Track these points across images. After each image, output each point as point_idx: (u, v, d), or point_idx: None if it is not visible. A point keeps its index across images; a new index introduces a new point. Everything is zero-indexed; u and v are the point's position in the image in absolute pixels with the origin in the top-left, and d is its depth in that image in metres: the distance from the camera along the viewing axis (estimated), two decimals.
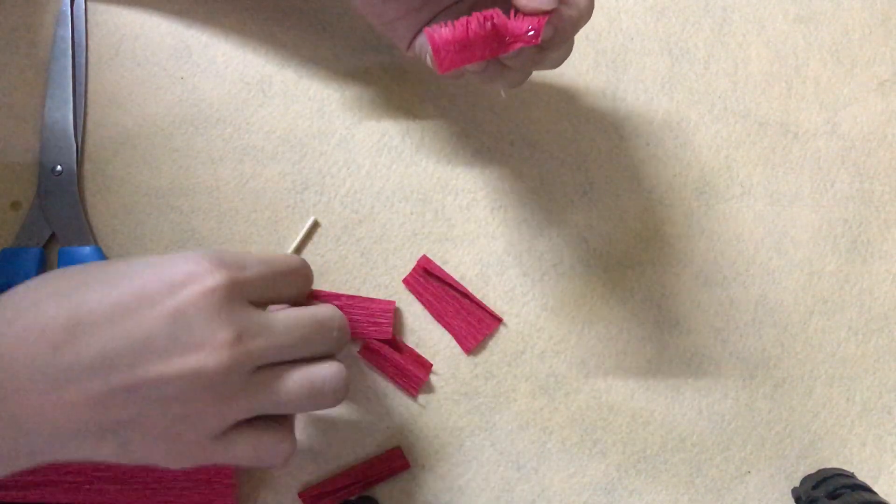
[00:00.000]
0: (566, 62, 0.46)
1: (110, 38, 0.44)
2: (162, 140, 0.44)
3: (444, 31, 0.30)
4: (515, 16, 0.31)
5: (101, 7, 0.44)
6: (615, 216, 0.45)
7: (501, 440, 0.43)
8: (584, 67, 0.46)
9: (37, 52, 0.44)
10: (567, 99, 0.46)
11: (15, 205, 0.43)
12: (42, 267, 0.42)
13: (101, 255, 0.42)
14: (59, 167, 0.43)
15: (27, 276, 0.41)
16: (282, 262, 0.33)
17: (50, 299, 0.27)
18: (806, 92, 0.47)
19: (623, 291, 0.44)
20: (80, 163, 0.43)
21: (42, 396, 0.26)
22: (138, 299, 0.27)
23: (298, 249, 0.37)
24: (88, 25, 0.44)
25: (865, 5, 0.48)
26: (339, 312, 0.34)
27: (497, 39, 0.31)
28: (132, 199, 0.43)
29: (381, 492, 0.42)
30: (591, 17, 0.46)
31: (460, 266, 0.44)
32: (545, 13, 0.30)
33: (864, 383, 0.45)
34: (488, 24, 0.30)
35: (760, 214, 0.46)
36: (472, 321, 0.43)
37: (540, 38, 0.31)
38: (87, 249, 0.42)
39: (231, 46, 0.45)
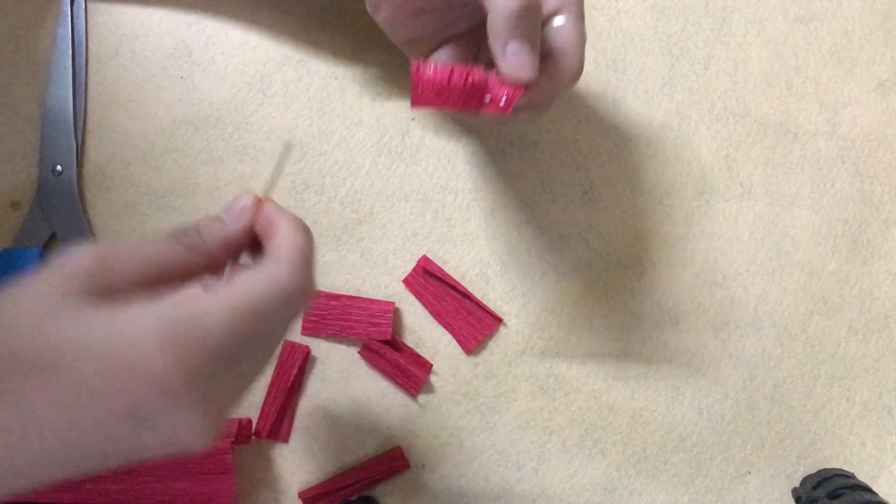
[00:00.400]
0: None
1: (110, 38, 0.44)
2: (162, 140, 0.44)
3: (428, 71, 0.31)
4: (497, 77, 0.31)
5: (101, 6, 0.44)
6: (615, 216, 0.45)
7: (501, 440, 0.43)
8: (584, 67, 0.46)
9: (37, 51, 0.44)
10: (567, 99, 0.46)
11: (15, 205, 0.43)
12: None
13: None
14: (59, 167, 0.43)
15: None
16: (267, 299, 0.26)
17: None
18: (806, 92, 0.47)
19: (623, 291, 0.44)
20: (80, 163, 0.43)
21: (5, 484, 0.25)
22: (89, 395, 0.24)
23: (273, 183, 0.31)
24: (88, 25, 0.44)
25: (865, 5, 0.48)
26: (286, 276, 0.27)
27: (473, 96, 0.32)
28: (132, 198, 0.43)
29: (381, 492, 0.42)
30: (594, 18, 0.46)
31: (460, 266, 0.44)
32: (520, 86, 0.31)
33: (865, 383, 0.45)
34: (469, 80, 0.31)
35: (760, 214, 0.45)
36: (472, 321, 0.43)
37: (510, 109, 0.31)
38: None
39: (231, 46, 0.45)
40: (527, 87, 0.32)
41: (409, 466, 0.42)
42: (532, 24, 0.31)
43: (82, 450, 0.25)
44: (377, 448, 0.42)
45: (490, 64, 0.38)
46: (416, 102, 0.32)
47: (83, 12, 0.44)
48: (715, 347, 0.44)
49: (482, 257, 0.44)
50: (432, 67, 0.31)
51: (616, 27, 0.46)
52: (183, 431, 0.25)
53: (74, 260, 0.25)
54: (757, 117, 0.46)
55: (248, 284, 0.26)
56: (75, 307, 0.24)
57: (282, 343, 0.42)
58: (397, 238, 0.44)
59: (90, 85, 0.44)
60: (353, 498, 0.42)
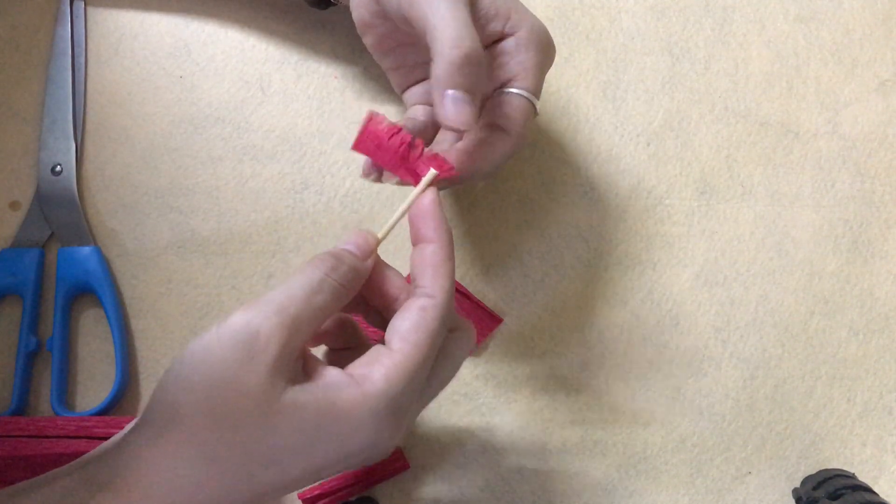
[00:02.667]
0: (566, 60, 0.46)
1: (109, 38, 0.44)
2: (161, 139, 0.44)
3: (377, 123, 0.32)
4: (431, 156, 0.32)
5: (101, 7, 0.44)
6: (615, 216, 0.45)
7: (502, 441, 0.43)
8: (584, 67, 0.46)
9: (37, 51, 0.44)
10: (567, 98, 0.46)
11: (14, 205, 0.43)
12: (42, 267, 0.42)
13: (101, 255, 0.42)
14: (58, 167, 0.43)
15: (27, 277, 0.41)
16: (438, 339, 0.29)
17: (233, 484, 0.26)
18: (807, 92, 0.47)
19: (623, 291, 0.44)
20: (79, 162, 0.43)
21: None
22: (317, 472, 0.27)
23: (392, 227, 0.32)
24: (88, 25, 0.44)
25: (866, 5, 0.48)
26: (474, 334, 0.33)
27: (403, 164, 0.32)
28: (131, 198, 0.43)
29: (381, 492, 0.42)
30: (594, 17, 0.46)
31: (460, 266, 0.44)
32: (450, 171, 0.32)
33: (865, 384, 0.45)
34: (402, 146, 0.32)
35: (761, 214, 0.45)
36: (472, 321, 0.43)
37: (429, 192, 0.32)
38: (86, 249, 0.42)
39: (230, 45, 0.45)
40: (459, 171, 0.33)
41: (408, 467, 0.42)
42: (473, 75, 0.31)
43: (282, 491, 0.28)
44: None
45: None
46: (355, 147, 0.33)
47: (83, 12, 0.44)
48: (715, 347, 0.44)
49: (483, 257, 0.44)
50: (381, 121, 0.32)
51: (616, 27, 0.46)
52: (377, 457, 0.29)
53: (267, 344, 0.26)
54: (758, 117, 0.46)
55: (426, 334, 0.29)
56: (294, 399, 0.26)
57: None
58: (397, 238, 0.44)
59: (90, 85, 0.44)
60: (352, 498, 0.42)
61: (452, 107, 0.31)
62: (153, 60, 0.44)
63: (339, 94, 0.45)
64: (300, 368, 0.28)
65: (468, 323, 0.33)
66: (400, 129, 0.32)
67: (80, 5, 0.44)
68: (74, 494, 0.25)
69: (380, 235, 0.32)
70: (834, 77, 0.47)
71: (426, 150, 0.33)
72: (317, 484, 0.41)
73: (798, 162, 0.46)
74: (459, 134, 0.38)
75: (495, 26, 0.34)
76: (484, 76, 0.32)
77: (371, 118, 0.32)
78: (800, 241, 0.45)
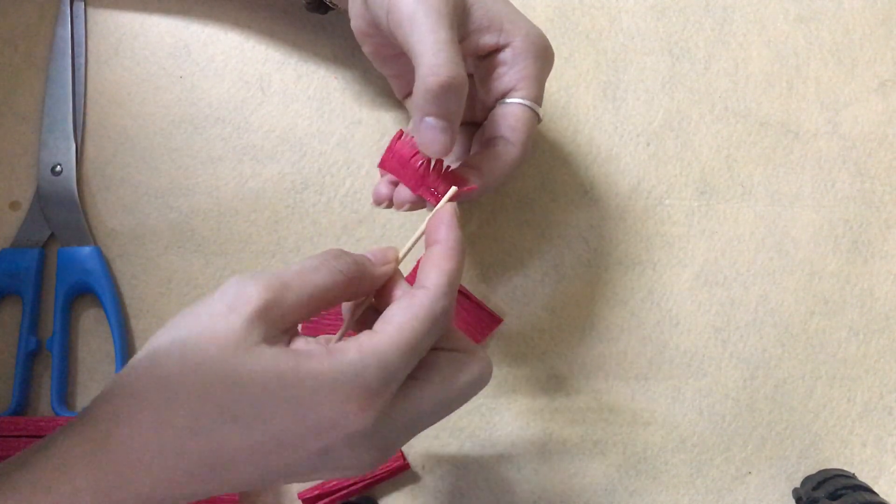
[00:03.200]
0: (566, 60, 0.46)
1: (109, 38, 0.44)
2: (161, 139, 0.44)
3: (404, 143, 0.33)
4: (449, 171, 0.33)
5: (101, 7, 0.44)
6: (615, 216, 0.45)
7: (502, 441, 0.43)
8: (584, 67, 0.46)
9: (37, 51, 0.44)
10: (567, 98, 0.46)
11: (14, 205, 0.43)
12: (42, 267, 0.42)
13: (101, 256, 0.42)
14: (58, 167, 0.43)
15: (27, 276, 0.41)
16: (426, 330, 0.28)
17: (188, 437, 0.26)
18: (807, 92, 0.47)
19: (623, 291, 0.44)
20: (79, 162, 0.43)
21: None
22: (279, 444, 0.26)
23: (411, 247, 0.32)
24: (88, 25, 0.44)
25: (866, 5, 0.48)
26: (488, 366, 0.31)
27: (424, 182, 0.33)
28: (131, 198, 0.43)
29: (381, 492, 0.42)
30: (594, 17, 0.46)
31: None
32: (465, 188, 0.32)
33: (865, 384, 0.45)
34: (422, 167, 0.32)
35: (761, 214, 0.45)
36: (472, 321, 0.43)
37: (448, 205, 0.32)
38: (86, 249, 0.42)
39: (230, 45, 0.45)
40: (469, 178, 0.33)
41: (409, 467, 0.42)
42: (452, 103, 0.31)
43: (261, 481, 0.27)
44: None
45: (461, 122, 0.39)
46: (381, 165, 0.34)
47: (83, 12, 0.44)
48: (715, 347, 0.44)
49: (483, 258, 0.44)
50: (408, 141, 0.33)
51: (616, 27, 0.46)
52: (356, 464, 0.28)
53: (249, 299, 0.26)
54: (758, 117, 0.46)
55: (411, 319, 0.28)
56: (260, 354, 0.26)
57: None
58: (397, 238, 0.44)
59: (90, 85, 0.44)
60: (352, 499, 0.42)
61: (429, 133, 0.31)
62: (153, 60, 0.44)
63: (339, 94, 0.45)
64: (281, 335, 0.27)
65: (482, 352, 0.31)
66: (419, 151, 0.32)
67: (80, 6, 0.44)
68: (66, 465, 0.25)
69: (400, 254, 0.32)
70: (834, 77, 0.47)
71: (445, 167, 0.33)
72: (317, 484, 0.42)
73: (798, 162, 0.46)
74: (468, 144, 0.39)
75: (489, 38, 0.34)
76: (462, 102, 0.31)
77: (398, 137, 0.33)
78: (800, 241, 0.45)
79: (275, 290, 0.27)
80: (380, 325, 0.28)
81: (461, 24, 0.33)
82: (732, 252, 0.45)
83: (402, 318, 0.28)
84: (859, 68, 0.47)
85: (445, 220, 0.31)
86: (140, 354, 0.27)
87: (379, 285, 0.31)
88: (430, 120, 0.31)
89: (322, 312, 0.31)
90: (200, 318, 0.26)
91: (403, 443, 0.29)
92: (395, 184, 0.35)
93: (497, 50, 0.35)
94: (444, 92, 0.30)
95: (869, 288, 0.45)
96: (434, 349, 0.30)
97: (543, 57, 0.35)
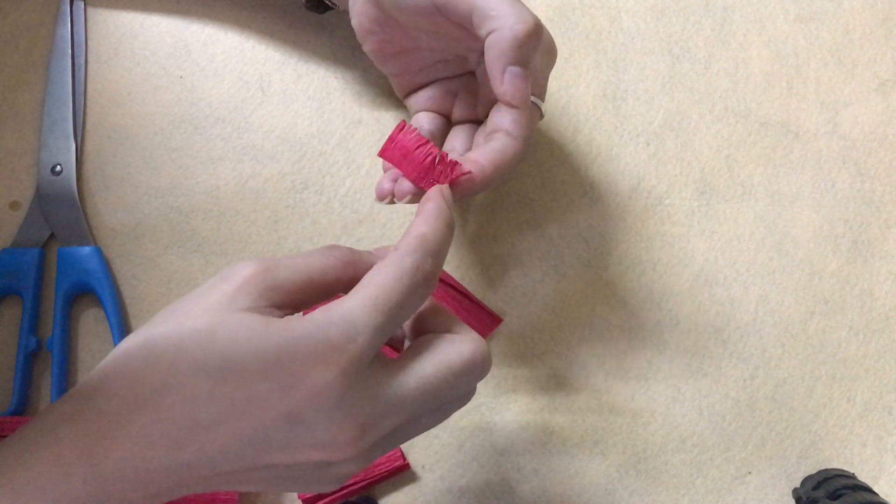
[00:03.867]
0: (566, 60, 0.46)
1: (109, 38, 0.44)
2: (161, 139, 0.44)
3: (406, 133, 0.33)
4: (451, 161, 0.33)
5: (101, 7, 0.44)
6: (615, 216, 0.45)
7: (502, 441, 0.43)
8: (584, 67, 0.46)
9: (37, 51, 0.44)
10: (567, 98, 0.46)
11: (14, 205, 0.43)
12: (42, 267, 0.42)
13: (101, 255, 0.42)
14: (58, 167, 0.43)
15: (27, 276, 0.41)
16: (392, 285, 0.27)
17: (163, 395, 0.26)
18: (807, 92, 0.47)
19: (623, 291, 0.44)
20: (79, 162, 0.43)
21: (161, 482, 0.26)
22: (248, 400, 0.26)
23: None
24: (88, 25, 0.44)
25: (866, 5, 0.48)
26: (483, 347, 0.30)
27: (428, 175, 0.33)
28: (132, 198, 0.43)
29: (381, 492, 0.42)
30: (594, 17, 0.46)
31: (460, 266, 0.44)
32: (467, 179, 0.32)
33: (865, 384, 0.45)
34: (427, 160, 0.32)
35: (761, 214, 0.45)
36: (472, 321, 0.43)
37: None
38: (86, 249, 0.42)
39: (230, 45, 0.45)
40: (466, 172, 0.33)
41: (408, 467, 0.42)
42: (532, 50, 0.31)
43: (234, 453, 0.26)
44: None
45: (462, 120, 0.39)
46: (381, 154, 0.34)
47: (83, 12, 0.44)
48: (715, 347, 0.44)
49: (482, 257, 0.44)
50: (410, 131, 0.33)
51: (616, 27, 0.46)
52: (332, 444, 0.26)
53: (241, 272, 0.27)
54: (758, 117, 0.46)
55: (377, 274, 0.27)
56: (243, 318, 0.26)
57: None
58: (397, 238, 0.44)
59: (90, 85, 0.44)
60: (352, 498, 0.42)
61: (513, 83, 0.31)
62: (153, 60, 0.44)
63: (339, 94, 0.45)
64: (270, 308, 0.27)
65: (475, 334, 0.30)
66: (427, 142, 0.32)
67: (79, 5, 0.44)
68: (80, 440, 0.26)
69: None
70: (834, 77, 0.47)
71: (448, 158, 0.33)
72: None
73: (798, 162, 0.46)
74: (470, 142, 0.38)
75: None
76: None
77: (401, 128, 0.33)
78: (800, 241, 0.45)
79: (267, 265, 0.28)
80: (352, 290, 0.28)
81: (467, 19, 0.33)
82: (732, 252, 0.45)
83: (368, 276, 0.28)
84: (859, 68, 0.47)
85: (431, 195, 0.31)
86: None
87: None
88: (513, 69, 0.31)
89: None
90: (195, 290, 0.28)
91: (388, 426, 0.27)
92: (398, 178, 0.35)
93: None
94: (532, 38, 0.31)
95: (869, 288, 0.45)
96: (423, 330, 0.30)
97: (548, 53, 0.35)
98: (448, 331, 0.30)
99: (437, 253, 0.29)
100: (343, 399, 0.26)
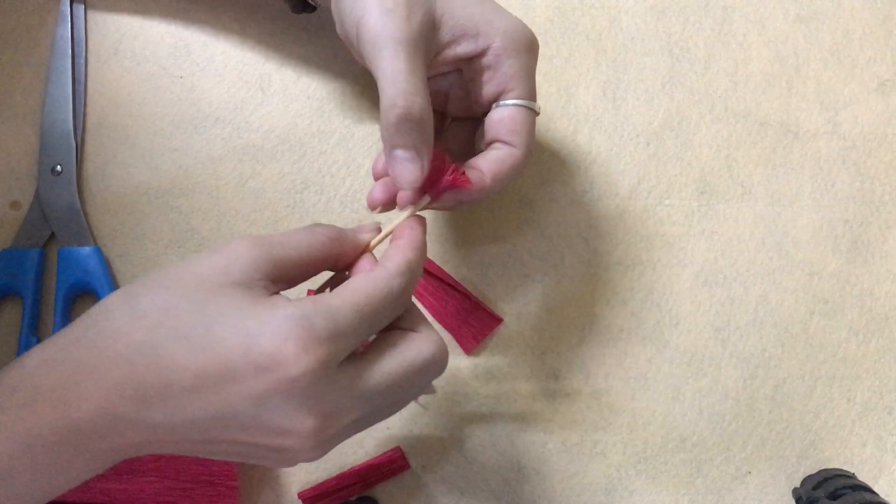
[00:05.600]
0: (566, 60, 0.46)
1: (109, 38, 0.44)
2: (161, 139, 0.44)
3: None
4: (455, 168, 0.33)
5: (101, 6, 0.44)
6: (615, 216, 0.45)
7: (502, 441, 0.43)
8: (584, 67, 0.46)
9: (37, 52, 0.44)
10: (567, 99, 0.46)
11: (14, 205, 0.43)
12: (42, 267, 0.42)
13: (101, 256, 0.42)
14: (58, 167, 0.43)
15: (27, 276, 0.41)
16: (381, 297, 0.29)
17: (141, 354, 0.26)
18: (806, 92, 0.47)
19: (623, 291, 0.44)
20: (79, 163, 0.43)
21: (128, 436, 0.27)
22: (223, 373, 0.26)
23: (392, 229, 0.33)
24: (88, 25, 0.44)
25: (866, 5, 0.48)
26: (442, 347, 0.31)
27: (435, 183, 0.33)
28: (132, 198, 0.43)
29: (381, 492, 0.42)
30: (594, 18, 0.46)
31: (460, 266, 0.44)
32: (463, 182, 0.33)
33: (865, 383, 0.45)
34: (439, 170, 0.33)
35: (761, 214, 0.45)
36: (472, 321, 0.43)
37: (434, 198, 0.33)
38: (86, 249, 0.42)
39: (230, 45, 0.45)
40: (473, 188, 0.33)
41: (409, 467, 0.42)
42: (415, 133, 0.31)
43: (200, 423, 0.27)
44: (377, 448, 0.42)
45: (459, 117, 0.39)
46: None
47: (83, 12, 0.44)
48: (715, 347, 0.44)
49: (482, 257, 0.44)
50: None
51: (616, 27, 0.46)
52: (295, 432, 0.27)
53: (235, 246, 0.28)
54: (757, 117, 0.46)
55: (367, 284, 0.29)
56: (235, 292, 0.27)
57: None
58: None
59: (90, 85, 0.44)
60: (352, 498, 0.42)
61: (398, 166, 0.32)
62: (153, 61, 0.44)
63: (339, 94, 0.45)
64: (260, 283, 0.28)
65: (436, 335, 0.31)
66: (440, 152, 0.33)
67: (79, 7, 0.44)
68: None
69: (384, 228, 0.33)
70: (834, 77, 0.47)
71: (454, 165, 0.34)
72: (316, 484, 0.41)
73: (798, 162, 0.46)
74: (467, 141, 0.38)
75: (466, 46, 0.34)
76: (428, 128, 0.32)
77: None
78: (800, 241, 0.45)
79: (260, 241, 0.29)
80: (339, 288, 0.29)
81: (432, 39, 0.33)
82: (732, 252, 0.45)
83: (358, 283, 0.29)
84: (859, 68, 0.47)
85: (414, 224, 0.32)
86: None
87: (361, 250, 0.32)
88: (398, 152, 0.32)
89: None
90: (188, 259, 0.29)
91: (348, 420, 0.28)
92: (393, 192, 0.34)
93: (479, 55, 0.34)
94: (404, 123, 0.31)
95: (869, 288, 0.45)
96: (389, 328, 0.30)
97: (528, 51, 0.35)
98: (412, 328, 0.31)
99: (415, 279, 0.31)
100: (312, 390, 0.26)
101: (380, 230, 0.33)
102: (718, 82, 0.46)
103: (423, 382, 0.31)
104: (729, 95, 0.46)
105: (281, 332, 0.26)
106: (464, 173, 0.33)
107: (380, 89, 0.31)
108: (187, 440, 0.27)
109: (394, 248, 0.31)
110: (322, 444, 0.28)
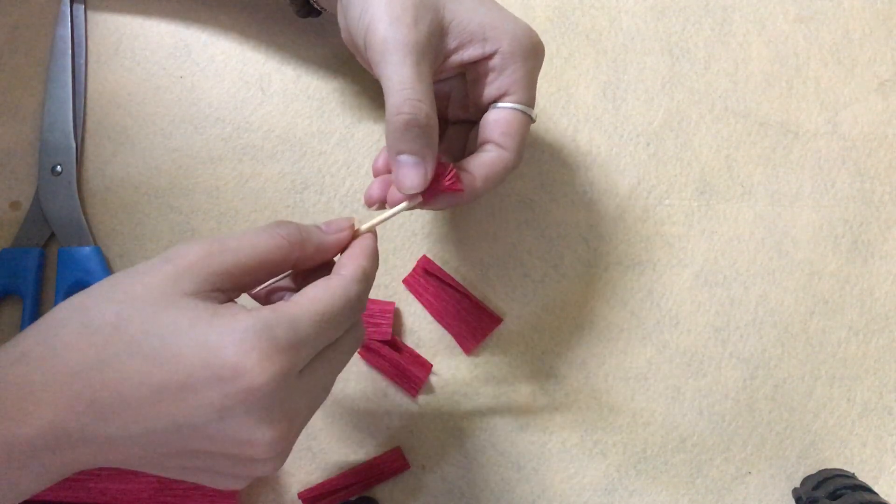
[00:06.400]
0: (566, 60, 0.46)
1: (109, 38, 0.44)
2: (161, 140, 0.44)
3: None
4: (447, 175, 0.33)
5: (101, 6, 0.44)
6: (615, 216, 0.45)
7: (501, 441, 0.43)
8: (584, 67, 0.46)
9: (37, 52, 0.44)
10: (567, 98, 0.46)
11: (15, 205, 0.43)
12: (42, 267, 0.42)
13: (101, 256, 0.42)
14: (58, 167, 0.43)
15: (27, 276, 0.41)
16: (339, 306, 0.29)
17: (95, 369, 0.26)
18: (806, 92, 0.47)
19: (623, 291, 0.44)
20: (79, 163, 0.43)
21: (81, 451, 0.27)
22: (183, 386, 0.26)
23: (376, 224, 0.33)
24: (88, 25, 0.44)
25: (866, 5, 0.48)
26: (363, 327, 0.32)
27: (434, 185, 0.33)
28: (132, 199, 0.43)
29: (381, 492, 0.42)
30: (594, 18, 0.46)
31: (460, 266, 0.44)
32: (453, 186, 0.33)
33: (865, 383, 0.45)
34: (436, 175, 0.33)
35: (761, 214, 0.45)
36: (472, 321, 0.43)
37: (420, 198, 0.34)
38: (86, 249, 0.42)
39: (230, 45, 0.45)
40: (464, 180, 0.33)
41: (409, 467, 0.42)
42: (419, 139, 0.31)
43: (159, 435, 0.26)
44: (377, 448, 0.42)
45: (457, 120, 0.39)
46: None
47: (83, 12, 0.44)
48: (715, 347, 0.44)
49: (482, 257, 0.44)
50: None
51: (616, 27, 0.46)
52: (259, 442, 0.27)
53: (185, 255, 0.28)
54: (757, 117, 0.46)
55: (326, 293, 0.28)
56: (188, 304, 0.26)
57: None
58: (397, 238, 0.44)
59: (90, 85, 0.44)
60: (352, 498, 0.42)
61: (402, 170, 0.32)
62: (153, 61, 0.44)
63: (339, 94, 0.45)
64: (213, 293, 0.28)
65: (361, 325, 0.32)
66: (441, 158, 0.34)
67: (79, 7, 0.44)
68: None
69: (360, 227, 0.33)
70: (834, 77, 0.47)
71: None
72: (317, 484, 0.41)
73: (798, 162, 0.46)
74: (463, 143, 0.39)
75: (473, 51, 0.34)
76: (433, 135, 0.32)
77: None
78: (800, 241, 0.45)
79: (212, 248, 0.28)
80: (296, 297, 0.28)
81: (440, 46, 0.33)
82: (732, 252, 0.45)
83: (316, 292, 0.28)
84: (859, 68, 0.47)
85: (368, 236, 0.33)
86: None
87: (329, 253, 0.32)
88: (402, 157, 0.32)
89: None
90: (138, 267, 0.28)
91: (303, 424, 0.29)
92: (388, 185, 0.34)
93: (486, 59, 0.34)
94: (409, 130, 0.31)
95: (869, 288, 0.45)
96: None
97: (534, 56, 0.35)
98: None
99: (370, 287, 0.31)
100: (273, 399, 0.26)
101: (353, 226, 0.32)
102: (718, 82, 0.46)
103: (343, 327, 0.31)
104: (729, 95, 0.46)
105: (242, 343, 0.26)
106: (459, 179, 0.33)
107: (385, 96, 0.31)
108: (146, 454, 0.27)
109: (347, 256, 0.31)
110: (283, 451, 0.28)
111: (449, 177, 0.33)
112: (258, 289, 0.31)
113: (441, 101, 0.39)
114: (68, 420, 0.26)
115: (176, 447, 0.27)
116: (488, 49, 0.34)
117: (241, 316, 0.26)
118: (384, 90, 0.31)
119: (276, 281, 0.32)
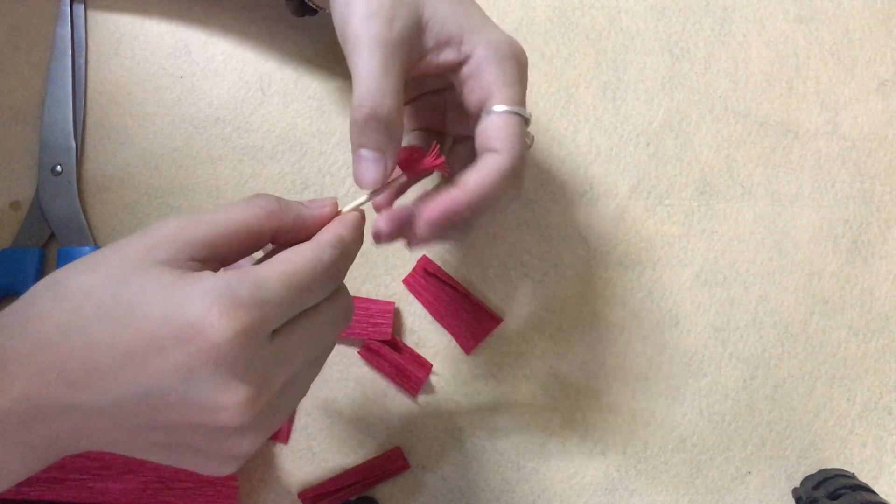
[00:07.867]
0: (566, 60, 0.46)
1: (110, 38, 0.44)
2: (161, 139, 0.44)
3: (411, 151, 0.34)
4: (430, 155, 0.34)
5: (101, 6, 0.44)
6: (615, 216, 0.45)
7: (501, 440, 0.43)
8: (584, 67, 0.46)
9: (37, 51, 0.44)
10: (567, 98, 0.46)
11: (15, 205, 0.43)
12: (42, 267, 0.42)
13: None
14: (58, 167, 0.43)
15: (27, 276, 0.41)
16: (309, 268, 0.28)
17: (65, 336, 0.26)
18: (806, 92, 0.47)
19: (623, 291, 0.44)
20: (79, 162, 0.43)
21: (58, 424, 0.26)
22: (146, 348, 0.26)
23: (360, 206, 0.33)
24: (88, 25, 0.44)
25: (866, 5, 0.48)
26: (349, 300, 0.31)
27: (409, 160, 0.34)
28: (131, 198, 0.43)
29: (381, 492, 0.42)
30: (594, 18, 0.46)
31: (460, 266, 0.44)
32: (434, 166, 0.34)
33: (865, 383, 0.45)
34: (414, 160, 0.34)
35: (761, 214, 0.45)
36: (472, 321, 0.43)
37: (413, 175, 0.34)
38: (86, 249, 0.42)
39: (230, 45, 0.45)
40: (461, 201, 0.33)
41: (409, 467, 0.42)
42: (380, 134, 0.31)
43: (129, 404, 0.26)
44: (377, 448, 0.42)
45: (460, 137, 0.39)
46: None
47: (83, 12, 0.44)
48: (715, 347, 0.44)
49: (482, 258, 0.44)
50: (414, 150, 0.34)
51: (616, 27, 0.46)
52: (226, 407, 0.26)
53: (162, 227, 0.28)
54: (757, 117, 0.46)
55: (294, 254, 0.28)
56: (157, 269, 0.27)
57: None
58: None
59: (90, 85, 0.44)
60: (352, 498, 0.42)
61: (359, 164, 0.32)
62: (153, 60, 0.44)
63: (339, 94, 0.45)
64: (187, 262, 0.27)
65: (345, 289, 0.31)
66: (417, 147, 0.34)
67: (79, 6, 0.44)
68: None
69: (342, 208, 0.33)
70: (834, 77, 0.47)
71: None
72: (316, 484, 0.41)
73: (798, 162, 0.46)
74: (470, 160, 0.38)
75: (448, 54, 0.34)
76: (395, 131, 0.32)
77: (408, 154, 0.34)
78: (800, 241, 0.45)
79: (190, 220, 0.28)
80: (267, 261, 0.28)
81: (416, 44, 0.33)
82: (732, 252, 0.45)
83: (287, 254, 0.28)
84: (859, 68, 0.47)
85: (351, 212, 0.32)
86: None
87: (309, 226, 0.31)
88: (362, 151, 0.32)
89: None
90: (118, 241, 0.28)
91: (278, 384, 0.28)
92: (396, 220, 0.34)
93: (461, 63, 0.34)
94: (369, 123, 0.31)
95: (869, 288, 0.45)
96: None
97: (512, 60, 0.34)
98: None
99: (349, 256, 0.30)
100: (239, 358, 0.26)
101: (336, 205, 0.32)
102: (718, 82, 0.46)
103: (319, 297, 0.30)
104: (729, 95, 0.46)
105: (203, 300, 0.25)
106: (441, 157, 0.33)
107: (353, 88, 0.31)
108: (118, 426, 0.27)
109: (327, 227, 0.31)
110: (258, 422, 0.27)
111: (431, 156, 0.33)
112: (238, 263, 0.31)
113: (437, 114, 0.39)
114: (42, 390, 0.26)
115: (146, 419, 0.27)
116: (464, 52, 0.34)
117: (206, 277, 0.26)
118: (353, 83, 0.31)
119: (261, 257, 0.31)
